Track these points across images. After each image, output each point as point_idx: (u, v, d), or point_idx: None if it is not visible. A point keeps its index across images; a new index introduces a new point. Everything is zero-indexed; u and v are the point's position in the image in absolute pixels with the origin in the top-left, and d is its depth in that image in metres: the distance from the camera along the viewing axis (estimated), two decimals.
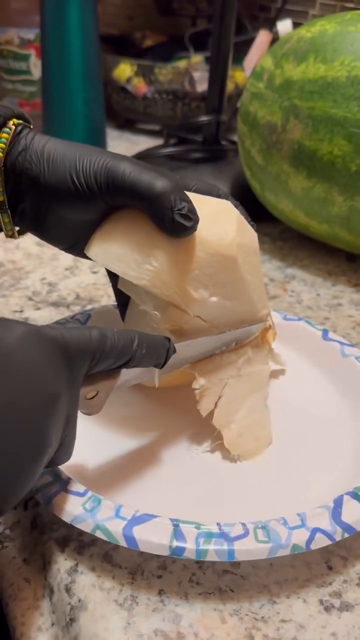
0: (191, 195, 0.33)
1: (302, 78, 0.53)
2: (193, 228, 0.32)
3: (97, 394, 0.29)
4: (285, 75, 0.55)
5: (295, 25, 0.77)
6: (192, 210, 0.31)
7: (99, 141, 0.85)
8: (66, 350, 0.25)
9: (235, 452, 0.35)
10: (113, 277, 0.40)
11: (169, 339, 0.31)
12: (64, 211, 0.34)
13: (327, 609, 0.28)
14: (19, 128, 0.33)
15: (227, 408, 0.36)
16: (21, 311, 0.50)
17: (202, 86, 0.91)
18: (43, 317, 0.49)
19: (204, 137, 0.74)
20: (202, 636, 0.27)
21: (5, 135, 0.33)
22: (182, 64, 0.92)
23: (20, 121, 0.34)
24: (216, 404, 0.36)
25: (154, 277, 0.32)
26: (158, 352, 0.31)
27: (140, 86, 0.93)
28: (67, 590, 0.28)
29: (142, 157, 0.77)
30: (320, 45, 0.53)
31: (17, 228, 0.36)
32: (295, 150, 0.54)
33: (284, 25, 0.82)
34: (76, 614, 0.27)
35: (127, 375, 0.30)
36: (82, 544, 0.30)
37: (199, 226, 0.32)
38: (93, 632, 0.27)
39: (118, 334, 0.28)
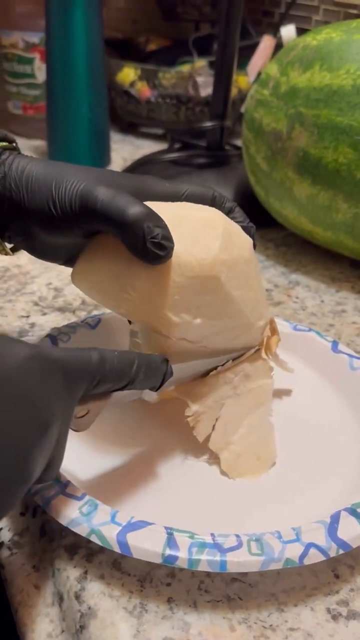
0: (173, 212, 0.33)
1: (307, 86, 0.53)
2: (167, 256, 0.30)
3: (87, 413, 0.29)
4: (290, 82, 0.55)
5: (299, 30, 0.77)
6: (166, 236, 0.30)
7: (103, 145, 0.85)
8: (66, 372, 0.26)
9: (234, 475, 0.35)
10: None
11: (167, 361, 0.31)
12: (47, 236, 0.34)
13: (335, 617, 0.28)
14: (8, 152, 0.34)
15: (225, 429, 0.36)
16: (27, 316, 0.50)
17: (205, 91, 0.91)
18: (49, 322, 0.49)
19: (208, 143, 0.74)
20: None
21: None
22: (185, 68, 0.93)
23: (2, 144, 0.35)
24: (214, 426, 0.35)
25: (131, 305, 0.32)
26: (156, 376, 0.31)
27: (143, 90, 0.93)
28: (77, 597, 0.29)
29: (146, 161, 0.77)
30: (326, 53, 0.53)
31: (9, 246, 0.37)
32: (301, 157, 0.54)
33: (288, 31, 0.82)
34: (86, 621, 0.28)
35: (119, 395, 0.30)
36: (91, 551, 0.31)
37: (178, 248, 0.31)
38: (103, 639, 0.27)
39: (118, 358, 0.28)
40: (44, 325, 0.49)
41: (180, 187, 0.36)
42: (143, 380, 0.30)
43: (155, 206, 0.32)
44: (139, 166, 0.77)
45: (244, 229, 0.37)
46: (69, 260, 0.37)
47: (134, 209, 0.30)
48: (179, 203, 0.35)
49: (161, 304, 0.32)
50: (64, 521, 0.29)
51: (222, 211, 0.36)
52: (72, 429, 0.29)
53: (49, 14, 0.75)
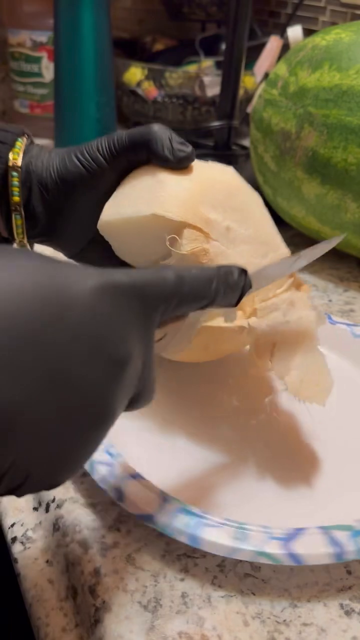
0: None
1: (316, 86, 0.54)
2: (192, 154, 0.35)
3: (164, 336, 0.28)
4: (299, 82, 0.55)
5: (306, 31, 0.77)
6: (186, 143, 0.35)
7: None
8: (142, 297, 0.24)
9: (301, 398, 0.34)
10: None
11: (245, 273, 0.29)
12: (77, 201, 0.36)
13: (348, 613, 0.29)
14: (29, 141, 0.38)
15: (283, 355, 0.35)
16: None
17: (212, 91, 0.91)
18: None
19: (215, 142, 0.75)
20: (226, 638, 0.27)
21: (19, 143, 0.37)
22: (192, 68, 0.93)
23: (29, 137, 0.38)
24: (271, 352, 0.35)
25: (165, 202, 0.33)
26: (235, 292, 0.28)
27: (150, 90, 0.94)
28: (91, 591, 0.29)
29: None
30: (336, 53, 0.53)
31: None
32: (309, 157, 0.54)
33: (295, 31, 0.82)
34: (100, 615, 0.28)
35: (196, 314, 0.29)
36: (104, 546, 0.31)
37: (200, 166, 0.36)
38: (118, 633, 0.27)
39: (196, 276, 0.26)
40: None
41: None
42: (223, 297, 0.28)
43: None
44: None
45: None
46: (80, 252, 0.39)
47: (155, 124, 0.35)
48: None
49: (193, 199, 0.34)
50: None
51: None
52: None
53: (57, 13, 0.75)
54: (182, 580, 0.29)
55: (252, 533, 0.29)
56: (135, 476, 0.32)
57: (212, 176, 0.36)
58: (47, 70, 0.89)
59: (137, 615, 0.28)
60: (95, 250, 0.39)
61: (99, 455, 0.33)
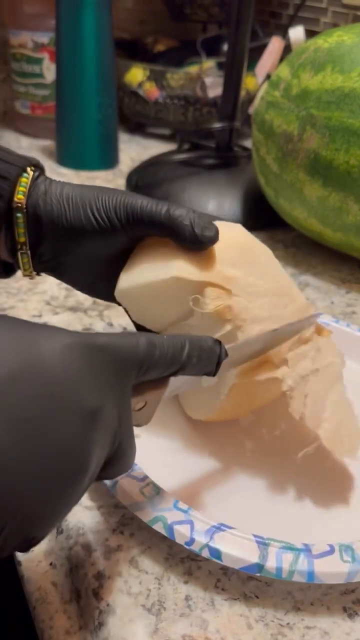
0: None
1: (319, 88, 0.54)
2: (215, 238, 0.34)
3: (145, 405, 0.28)
4: (302, 85, 0.55)
5: (307, 32, 0.77)
6: (210, 221, 0.34)
7: (111, 146, 0.86)
8: (113, 358, 0.24)
9: (338, 452, 0.34)
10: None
11: (219, 342, 0.29)
12: (86, 249, 0.36)
13: (351, 615, 0.29)
14: (37, 174, 0.36)
15: (315, 406, 0.35)
16: (40, 316, 0.50)
17: (213, 91, 0.91)
18: (61, 322, 0.50)
19: (217, 144, 0.75)
20: None
21: (25, 179, 0.35)
22: (193, 69, 0.93)
23: (36, 169, 0.37)
24: (304, 404, 0.35)
25: (184, 265, 0.34)
26: (210, 359, 0.29)
27: (151, 91, 0.94)
28: (95, 594, 0.29)
29: (155, 162, 0.77)
30: (338, 55, 0.53)
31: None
32: (311, 159, 0.54)
33: (296, 32, 0.82)
34: (104, 618, 0.28)
35: (176, 383, 0.29)
36: (108, 549, 0.31)
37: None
38: (122, 636, 0.27)
39: (167, 341, 0.27)
40: (56, 324, 0.49)
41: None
42: (196, 364, 0.28)
43: None
44: (149, 166, 0.77)
45: None
46: (89, 287, 0.39)
47: (176, 209, 0.34)
48: None
49: (210, 260, 0.34)
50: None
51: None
52: (133, 425, 0.28)
53: (58, 14, 0.76)
54: (185, 583, 0.30)
55: (357, 551, 0.29)
56: (222, 528, 0.30)
57: (224, 235, 0.35)
58: (49, 71, 0.89)
59: (140, 618, 0.28)
60: (106, 285, 0.38)
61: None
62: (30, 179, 0.35)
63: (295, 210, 0.60)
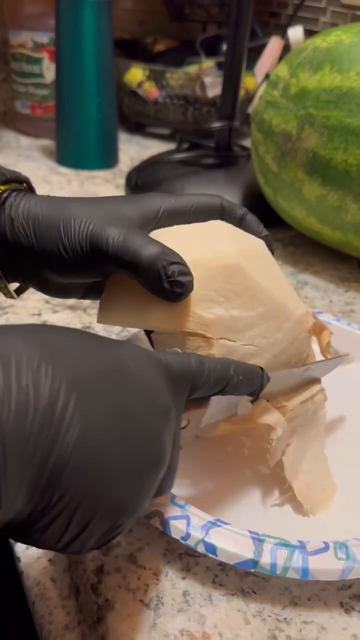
0: (178, 227, 0.33)
1: (317, 87, 0.54)
2: (187, 292, 0.29)
3: (188, 424, 0.29)
4: (300, 84, 0.56)
5: (306, 32, 0.77)
6: (183, 271, 0.29)
7: (111, 146, 0.86)
8: (170, 373, 0.26)
9: (307, 505, 0.34)
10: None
11: (262, 368, 0.31)
12: (59, 278, 0.32)
13: (348, 611, 0.29)
14: (5, 195, 0.32)
15: (295, 457, 0.35)
16: (39, 314, 0.50)
17: (213, 91, 0.91)
18: (60, 320, 0.50)
19: (216, 143, 0.75)
20: (227, 636, 0.27)
21: None
22: (193, 69, 0.93)
23: (7, 186, 0.32)
24: (284, 452, 0.34)
25: (159, 316, 0.30)
26: (253, 380, 0.30)
27: (151, 91, 0.94)
28: (94, 590, 0.29)
29: (155, 161, 0.78)
30: (336, 55, 0.53)
31: (15, 287, 0.36)
32: (310, 158, 0.55)
33: (295, 32, 0.83)
34: (103, 613, 0.28)
35: (218, 405, 0.29)
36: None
37: (191, 246, 0.31)
38: (120, 631, 0.27)
39: (214, 360, 0.28)
40: (55, 323, 0.49)
41: (188, 201, 0.34)
42: (241, 383, 0.29)
43: (164, 235, 0.31)
44: (148, 166, 0.77)
45: (260, 237, 0.36)
46: (84, 296, 0.36)
47: (146, 251, 0.29)
48: (186, 227, 0.34)
49: (187, 304, 0.30)
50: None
51: (234, 220, 0.36)
52: None
53: (58, 14, 0.76)
54: (183, 578, 0.30)
55: (352, 548, 0.29)
56: (217, 523, 0.30)
57: (205, 260, 0.31)
58: (48, 71, 0.90)
59: (139, 613, 0.28)
60: (96, 296, 0.36)
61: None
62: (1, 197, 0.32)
63: (294, 210, 0.60)
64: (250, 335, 0.32)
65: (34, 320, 0.49)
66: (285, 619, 0.28)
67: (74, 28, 0.76)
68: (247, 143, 0.81)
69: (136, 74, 0.94)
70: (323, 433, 0.37)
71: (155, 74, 0.92)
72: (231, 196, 0.69)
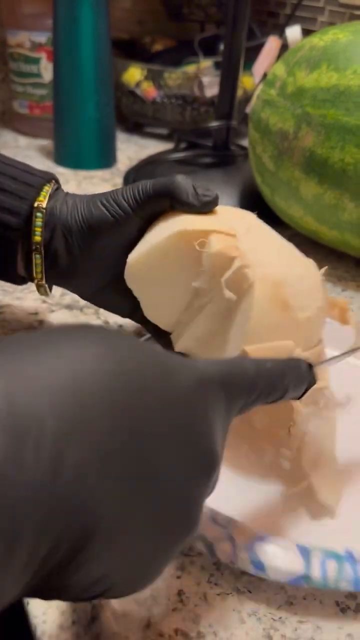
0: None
1: (314, 86, 0.54)
2: (216, 199, 0.36)
3: None
4: (297, 83, 0.56)
5: (304, 31, 0.77)
6: (209, 189, 0.36)
7: (109, 145, 0.86)
8: (227, 390, 0.23)
9: (322, 496, 0.34)
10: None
11: (311, 366, 0.28)
12: (98, 242, 0.38)
13: (343, 610, 0.29)
14: (56, 187, 0.40)
15: (313, 449, 0.35)
16: (36, 314, 0.50)
17: (211, 91, 0.91)
18: (58, 320, 0.50)
19: (214, 143, 0.75)
20: (222, 636, 0.27)
21: (47, 187, 0.39)
22: (191, 69, 0.93)
23: (56, 182, 0.41)
24: (302, 439, 0.34)
25: (186, 222, 0.35)
26: (302, 384, 0.27)
27: (149, 90, 0.94)
28: None
29: (152, 161, 0.77)
30: (333, 54, 0.53)
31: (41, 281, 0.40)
32: (307, 157, 0.55)
33: (293, 32, 0.83)
34: (97, 612, 0.28)
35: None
36: None
37: (222, 209, 0.37)
38: (115, 630, 0.27)
39: (270, 368, 0.25)
40: (52, 323, 0.49)
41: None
42: (292, 390, 0.27)
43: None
44: (146, 165, 0.77)
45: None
46: (94, 297, 0.42)
47: (178, 178, 0.36)
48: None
49: (215, 216, 0.37)
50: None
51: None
52: None
53: (56, 14, 0.76)
54: (178, 578, 0.30)
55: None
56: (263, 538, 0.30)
57: (233, 216, 0.37)
58: (46, 71, 0.89)
59: (133, 612, 0.28)
60: (108, 294, 0.41)
61: None
62: (51, 188, 0.39)
63: (291, 209, 0.60)
64: (268, 252, 0.36)
65: (31, 320, 0.49)
66: (280, 618, 0.28)
67: (72, 28, 0.76)
68: (245, 142, 0.81)
69: (134, 74, 0.94)
70: (335, 434, 0.36)
71: (153, 74, 0.92)
72: (229, 195, 0.69)
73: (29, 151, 0.90)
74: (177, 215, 0.36)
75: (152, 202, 0.36)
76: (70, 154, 0.84)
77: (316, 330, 0.36)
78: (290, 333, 0.34)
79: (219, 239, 0.33)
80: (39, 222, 0.38)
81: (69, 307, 0.52)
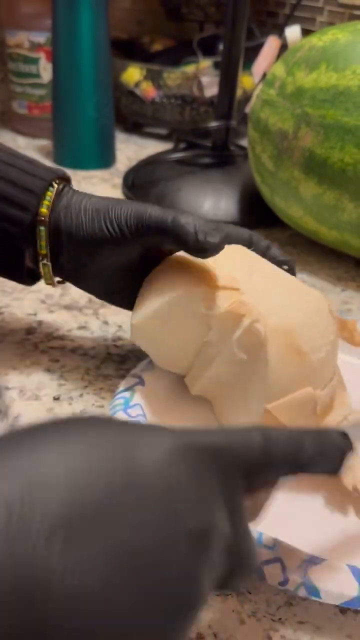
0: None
1: (313, 86, 0.54)
2: (219, 246, 0.34)
3: (255, 503, 0.24)
4: (297, 83, 0.56)
5: (304, 31, 0.77)
6: (217, 227, 0.34)
7: (108, 145, 0.86)
8: (224, 462, 0.21)
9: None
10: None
11: (345, 434, 0.25)
12: (102, 258, 0.37)
13: (343, 611, 0.29)
14: (61, 187, 0.38)
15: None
16: (35, 314, 0.50)
17: (210, 91, 0.91)
18: (56, 320, 0.50)
19: (213, 143, 0.75)
20: (222, 637, 0.27)
21: (50, 193, 0.37)
22: (190, 68, 0.93)
23: (62, 180, 0.39)
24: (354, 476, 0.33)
25: (187, 281, 0.35)
26: (333, 455, 0.25)
27: (148, 90, 0.94)
28: None
29: (152, 161, 0.77)
30: (332, 54, 0.53)
31: (57, 279, 0.41)
32: (307, 157, 0.55)
33: (293, 32, 0.83)
34: None
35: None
36: None
37: None
38: None
39: (286, 435, 0.23)
40: (51, 323, 0.49)
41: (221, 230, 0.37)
42: (318, 461, 0.24)
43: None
44: (145, 165, 0.77)
45: (283, 262, 0.41)
46: (108, 296, 0.41)
47: (182, 215, 0.34)
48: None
49: (216, 267, 0.36)
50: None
51: (258, 251, 0.40)
52: None
53: (55, 14, 0.76)
54: None
55: None
56: (315, 560, 0.29)
57: (231, 257, 0.37)
58: (45, 71, 0.89)
59: None
60: (124, 295, 0.40)
61: None
62: (54, 192, 0.37)
63: (290, 209, 0.60)
64: (274, 295, 0.35)
65: (30, 320, 0.49)
66: (280, 619, 0.28)
67: (71, 28, 0.76)
68: (245, 142, 0.81)
69: (133, 74, 0.94)
70: None
71: (152, 74, 0.92)
72: (228, 196, 0.69)
73: (28, 151, 0.90)
74: (178, 263, 0.37)
75: (152, 236, 0.36)
76: (69, 154, 0.84)
77: (330, 365, 0.36)
78: (307, 377, 0.34)
79: (224, 297, 0.34)
80: (42, 235, 0.37)
81: (68, 307, 0.52)
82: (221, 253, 0.35)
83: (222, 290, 0.34)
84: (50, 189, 0.37)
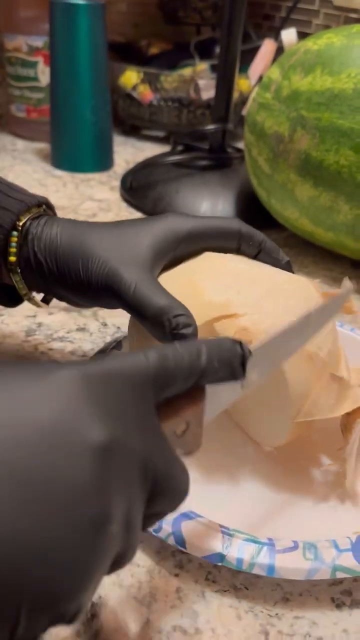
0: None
1: (309, 89, 0.54)
2: (194, 333, 0.31)
3: (188, 427, 0.24)
4: (292, 86, 0.56)
5: (299, 34, 0.78)
6: (187, 323, 0.31)
7: (106, 148, 0.86)
8: (121, 382, 0.22)
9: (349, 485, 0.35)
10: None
11: (239, 342, 0.26)
12: (77, 299, 0.35)
13: (339, 606, 0.29)
14: (27, 225, 0.35)
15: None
16: (34, 316, 0.51)
17: (207, 94, 0.92)
18: (56, 322, 0.50)
19: (210, 145, 0.75)
20: (219, 632, 0.28)
21: (14, 239, 0.35)
22: (187, 71, 0.94)
23: (27, 214, 0.35)
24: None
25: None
26: (232, 360, 0.25)
27: (146, 93, 0.94)
28: None
29: (149, 164, 0.78)
30: (327, 57, 0.54)
31: (39, 297, 0.39)
32: (302, 160, 0.55)
33: (289, 35, 0.83)
34: (97, 610, 0.28)
35: (215, 395, 0.25)
36: None
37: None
38: (114, 627, 0.28)
39: (181, 349, 0.24)
40: (50, 325, 0.50)
41: (207, 225, 0.36)
42: (219, 368, 0.25)
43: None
44: (143, 168, 0.78)
45: (280, 264, 0.38)
46: (92, 304, 0.38)
47: (154, 304, 0.31)
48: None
49: (201, 296, 0.34)
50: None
51: (251, 246, 0.37)
52: (183, 454, 0.25)
53: (53, 18, 0.76)
54: (176, 575, 0.30)
55: (321, 550, 0.29)
56: (190, 515, 0.31)
57: (206, 265, 0.35)
58: (43, 75, 0.90)
59: (132, 609, 0.28)
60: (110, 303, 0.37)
61: None
62: (21, 233, 0.35)
63: (287, 211, 0.60)
64: (266, 305, 0.33)
65: (29, 322, 0.50)
66: (276, 614, 0.29)
67: (69, 32, 0.76)
68: (241, 145, 0.82)
69: (131, 77, 0.94)
70: None
71: (149, 77, 0.93)
72: (225, 198, 0.70)
73: (26, 154, 0.90)
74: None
75: (124, 309, 0.33)
76: (67, 157, 0.84)
77: (336, 347, 0.36)
78: (322, 374, 0.34)
79: (224, 328, 0.32)
80: (17, 279, 0.36)
81: (67, 309, 0.52)
82: (201, 270, 0.34)
83: (222, 321, 0.32)
84: (14, 233, 0.35)
